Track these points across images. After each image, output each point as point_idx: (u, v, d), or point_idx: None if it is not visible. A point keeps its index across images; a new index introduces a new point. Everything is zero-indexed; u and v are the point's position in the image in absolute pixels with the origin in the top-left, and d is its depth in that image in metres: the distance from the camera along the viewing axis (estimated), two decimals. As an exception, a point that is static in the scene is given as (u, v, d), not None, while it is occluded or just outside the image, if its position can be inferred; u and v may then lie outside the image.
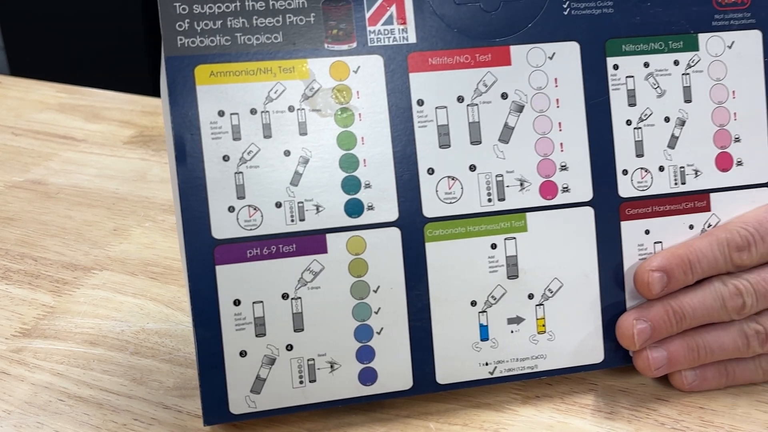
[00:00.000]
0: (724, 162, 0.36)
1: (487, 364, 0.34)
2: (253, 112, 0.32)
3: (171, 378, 0.37)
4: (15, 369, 0.37)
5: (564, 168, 0.35)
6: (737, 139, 0.36)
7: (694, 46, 0.36)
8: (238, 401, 0.32)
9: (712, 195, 0.36)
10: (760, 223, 0.35)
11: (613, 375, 0.37)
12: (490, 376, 0.35)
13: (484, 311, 0.34)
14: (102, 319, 0.41)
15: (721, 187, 0.36)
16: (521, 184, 0.34)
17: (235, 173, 0.32)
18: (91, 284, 0.44)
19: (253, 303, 0.32)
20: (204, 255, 0.32)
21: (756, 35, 0.36)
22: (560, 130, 0.35)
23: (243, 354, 0.32)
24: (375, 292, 0.33)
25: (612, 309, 0.35)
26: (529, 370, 0.35)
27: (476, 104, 0.34)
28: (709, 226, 0.36)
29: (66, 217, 0.51)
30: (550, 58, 0.34)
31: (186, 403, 0.35)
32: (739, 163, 0.36)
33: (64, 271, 0.45)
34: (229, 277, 0.32)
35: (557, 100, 0.35)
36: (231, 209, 0.32)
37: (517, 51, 0.34)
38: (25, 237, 0.49)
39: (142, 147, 0.61)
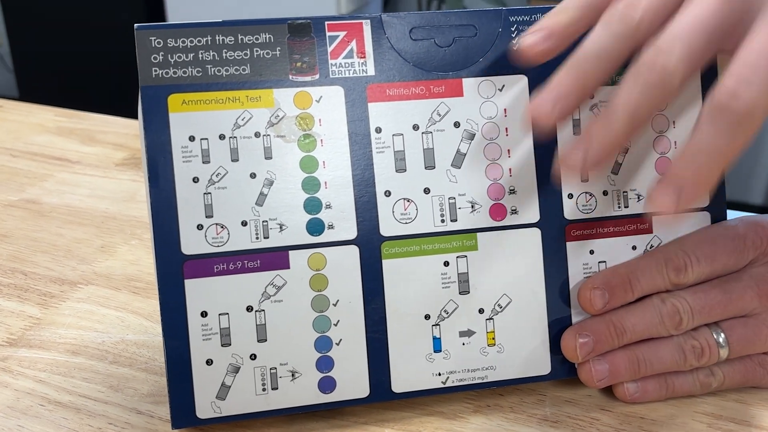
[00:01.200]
0: (665, 187, 0.38)
1: (440, 374, 0.37)
2: (222, 137, 0.35)
3: (146, 385, 0.39)
4: (0, 376, 0.40)
5: (512, 192, 0.37)
6: (678, 166, 0.39)
7: None
8: (205, 407, 0.35)
9: (654, 218, 0.38)
10: (696, 245, 0.37)
11: (562, 386, 0.39)
12: (442, 386, 0.37)
13: (437, 324, 0.37)
14: (84, 331, 0.43)
15: (663, 210, 0.38)
16: (472, 206, 0.37)
17: (204, 194, 0.35)
18: (76, 298, 0.47)
19: (219, 315, 0.35)
20: (174, 269, 0.34)
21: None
22: (509, 157, 0.37)
23: (209, 362, 0.35)
24: (334, 305, 0.36)
25: (558, 324, 0.37)
26: (480, 381, 0.37)
27: (431, 132, 0.37)
28: (651, 246, 0.38)
29: (57, 235, 0.54)
30: (500, 90, 0.37)
31: (158, 409, 0.37)
32: (680, 189, 0.39)
33: (52, 285, 0.48)
34: (197, 291, 0.34)
35: (506, 128, 0.37)
36: (200, 227, 0.35)
37: (469, 83, 0.37)
38: (17, 253, 0.52)
39: (133, 169, 0.64)
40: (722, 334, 0.37)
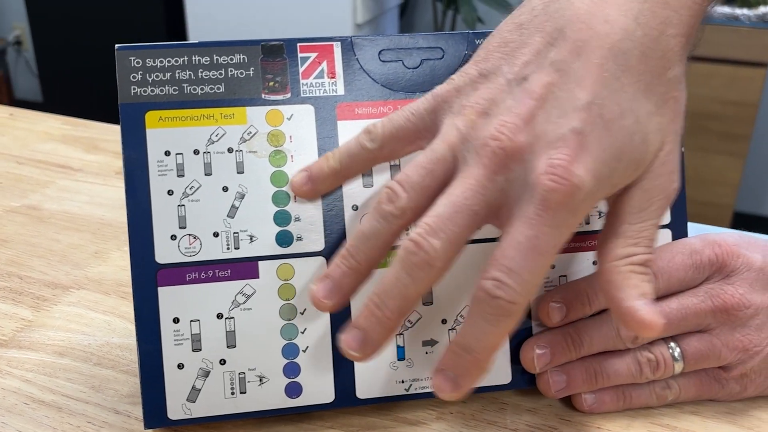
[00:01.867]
0: (626, 205, 0.40)
1: (403, 381, 0.38)
2: (196, 152, 0.37)
3: (126, 387, 0.41)
4: (-10, 375, 0.42)
5: (476, 207, 0.39)
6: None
7: None
8: (176, 408, 0.36)
9: (615, 234, 0.40)
10: (654, 261, 0.38)
11: (524, 396, 0.41)
12: (405, 393, 0.38)
13: (401, 334, 0.38)
14: (72, 333, 0.46)
15: (624, 227, 0.40)
16: (436, 221, 0.38)
17: (178, 206, 0.36)
18: (67, 301, 0.49)
19: (191, 321, 0.36)
20: (148, 277, 0.36)
21: None
22: (473, 174, 0.39)
23: (180, 366, 0.36)
24: (302, 314, 0.37)
25: (519, 335, 0.39)
26: (442, 389, 0.39)
27: (397, 149, 0.38)
28: (612, 262, 0.40)
29: (54, 240, 0.56)
30: (465, 110, 0.39)
31: (135, 410, 0.39)
32: (641, 207, 0.40)
33: (45, 289, 0.50)
34: (169, 298, 0.36)
35: (471, 146, 0.39)
36: (173, 237, 0.36)
37: None
38: (15, 257, 0.54)
39: (132, 177, 0.66)
40: (677, 348, 0.38)
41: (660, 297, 0.38)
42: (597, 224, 0.40)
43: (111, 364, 0.43)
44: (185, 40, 2.24)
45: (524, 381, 0.39)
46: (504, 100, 0.32)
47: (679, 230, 0.40)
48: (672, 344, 0.38)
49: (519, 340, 0.39)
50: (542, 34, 0.32)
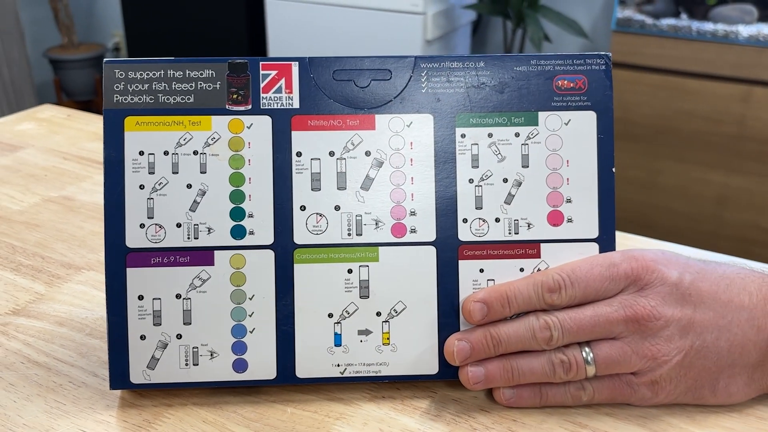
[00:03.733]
0: (555, 218, 0.43)
1: (338, 365, 0.43)
2: (166, 153, 0.42)
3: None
4: (-2, 338, 0.49)
5: (413, 213, 0.43)
6: (569, 200, 0.43)
7: (534, 122, 0.44)
8: (137, 373, 0.42)
9: (543, 245, 0.43)
10: (573, 270, 0.42)
11: (453, 388, 0.44)
12: (340, 375, 0.43)
13: (339, 322, 0.43)
14: (75, 307, 0.52)
15: (552, 239, 0.43)
16: (376, 224, 0.43)
17: (148, 198, 0.42)
18: (77, 280, 0.55)
19: (153, 299, 0.42)
20: (119, 259, 0.42)
21: (591, 115, 0.44)
22: (412, 183, 0.43)
23: (143, 338, 0.42)
24: (250, 299, 0.42)
25: (447, 330, 0.43)
26: (374, 374, 0.43)
27: (344, 158, 0.43)
28: (538, 270, 0.43)
29: (78, 227, 0.63)
30: (408, 126, 0.43)
31: (111, 374, 0.45)
32: (570, 221, 0.43)
33: (61, 269, 0.57)
34: (136, 278, 0.42)
35: (411, 159, 0.43)
36: (142, 226, 0.42)
37: (381, 119, 0.43)
38: (42, 240, 0.61)
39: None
40: (590, 353, 0.41)
41: (576, 304, 0.42)
42: (525, 234, 0.43)
43: (100, 336, 0.49)
44: (265, 54, 2.34)
45: (450, 373, 0.43)
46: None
47: (606, 245, 0.44)
48: (586, 349, 0.41)
49: (446, 335, 0.43)
50: None
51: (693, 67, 1.63)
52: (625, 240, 0.62)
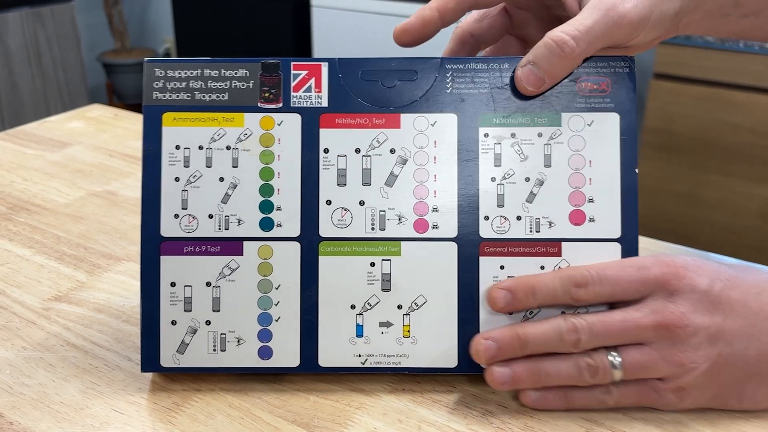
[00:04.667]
0: (577, 217, 0.44)
1: (360, 355, 0.44)
2: (201, 148, 0.44)
3: (142, 341, 0.49)
4: (40, 321, 0.51)
5: (435, 210, 0.44)
6: (591, 200, 0.44)
7: (557, 123, 0.44)
8: (167, 357, 0.44)
9: (564, 243, 0.44)
10: (603, 268, 0.42)
11: (473, 382, 0.45)
12: (361, 366, 0.44)
13: (361, 314, 0.44)
14: (113, 295, 0.54)
15: (573, 238, 0.44)
16: (399, 219, 0.44)
17: (182, 190, 0.44)
18: (116, 270, 0.58)
19: (185, 286, 0.44)
20: (153, 247, 0.44)
21: (614, 117, 0.44)
22: (435, 181, 0.44)
23: (174, 323, 0.44)
24: (276, 289, 0.44)
25: (466, 324, 0.44)
26: (394, 365, 0.44)
27: (370, 155, 0.44)
28: (559, 268, 0.44)
29: (120, 221, 0.66)
30: (432, 125, 0.44)
31: (144, 358, 0.47)
32: (592, 220, 0.44)
33: (102, 259, 0.59)
34: (169, 266, 0.44)
35: (435, 157, 0.44)
36: (176, 216, 0.44)
37: (406, 118, 0.45)
38: (86, 232, 0.64)
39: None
40: (618, 358, 0.41)
41: (602, 302, 0.42)
42: (546, 233, 0.44)
43: (136, 323, 0.51)
44: (311, 55, 2.38)
45: (469, 367, 0.44)
46: None
47: (628, 245, 0.44)
48: (613, 353, 0.42)
49: (466, 329, 0.44)
50: None
51: (740, 80, 1.61)
52: (656, 246, 0.62)
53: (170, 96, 0.45)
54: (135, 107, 3.07)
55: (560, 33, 0.42)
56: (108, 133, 0.87)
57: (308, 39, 2.46)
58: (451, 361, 0.44)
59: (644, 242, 0.61)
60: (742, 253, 1.68)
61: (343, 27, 2.29)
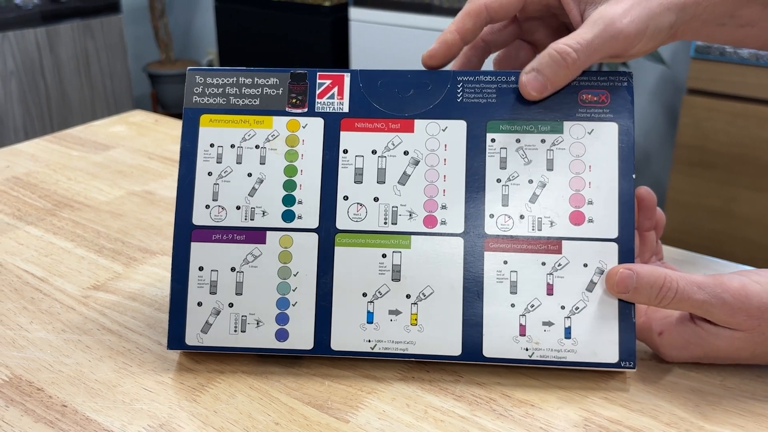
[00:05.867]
0: (577, 218, 0.47)
1: (369, 341, 0.47)
2: (232, 146, 0.48)
3: (172, 326, 0.53)
4: (79, 307, 0.55)
5: (444, 207, 0.47)
6: (590, 202, 0.47)
7: (559, 130, 0.47)
8: (192, 336, 0.48)
9: (564, 242, 0.47)
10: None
11: (479, 372, 0.48)
12: (371, 350, 0.47)
13: (372, 302, 0.47)
14: (147, 285, 0.58)
15: (573, 236, 0.47)
16: (410, 215, 0.47)
17: (214, 184, 0.48)
18: (151, 263, 0.62)
19: (211, 270, 0.48)
20: (185, 234, 0.48)
21: (613, 126, 0.47)
22: (444, 181, 0.47)
23: (200, 304, 0.48)
24: (295, 276, 0.47)
25: (471, 314, 0.47)
26: (401, 351, 0.47)
27: (385, 156, 0.48)
28: (560, 265, 0.47)
29: (156, 218, 0.70)
30: (443, 130, 0.48)
31: (173, 341, 0.51)
32: (590, 221, 0.47)
33: (138, 253, 0.64)
34: (198, 251, 0.48)
35: (445, 159, 0.48)
36: (207, 207, 0.48)
37: (419, 123, 0.48)
38: (124, 227, 0.68)
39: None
40: None
41: None
42: (548, 232, 0.47)
43: (166, 311, 0.55)
44: (348, 66, 2.42)
45: (471, 355, 0.47)
46: None
47: (625, 245, 0.47)
48: None
49: (470, 319, 0.46)
50: None
51: (773, 96, 1.61)
52: (694, 259, 0.64)
53: (208, 100, 0.49)
54: (177, 116, 3.15)
55: (563, 45, 0.45)
56: (148, 137, 0.92)
57: (346, 51, 2.51)
58: (455, 349, 0.47)
59: (678, 254, 0.64)
60: (774, 271, 1.67)
61: (379, 40, 2.33)
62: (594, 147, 0.47)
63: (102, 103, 2.63)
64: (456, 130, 0.48)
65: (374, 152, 0.48)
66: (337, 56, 2.58)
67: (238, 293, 0.48)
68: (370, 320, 0.47)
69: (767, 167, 1.65)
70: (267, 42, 2.74)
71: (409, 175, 0.48)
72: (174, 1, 3.32)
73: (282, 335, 0.47)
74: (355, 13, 2.33)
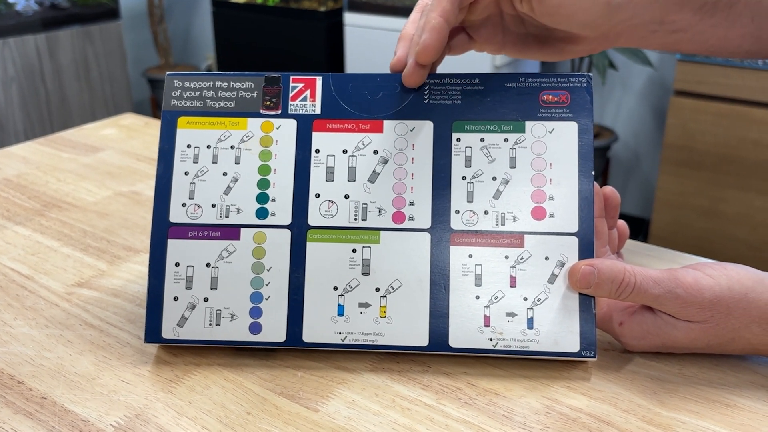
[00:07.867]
0: (538, 213, 0.49)
1: (340, 333, 0.49)
2: (208, 147, 0.50)
3: (152, 320, 0.55)
4: (63, 304, 0.57)
5: (412, 204, 0.49)
6: (551, 198, 0.49)
7: (521, 129, 0.49)
8: (168, 330, 0.49)
9: (526, 236, 0.49)
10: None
11: (446, 363, 0.50)
12: (341, 342, 0.49)
13: (342, 295, 0.49)
14: (129, 282, 0.60)
15: (535, 231, 0.49)
16: (379, 211, 0.49)
17: (190, 183, 0.50)
18: (135, 261, 0.64)
19: (187, 266, 0.49)
20: (162, 231, 0.50)
21: (572, 125, 0.49)
22: (412, 179, 0.49)
23: (176, 299, 0.49)
24: (268, 270, 0.49)
25: (437, 306, 0.48)
26: (371, 342, 0.49)
27: (355, 155, 0.50)
28: (522, 258, 0.48)
29: (141, 218, 0.72)
30: (411, 130, 0.50)
31: (152, 335, 0.53)
32: (551, 216, 0.49)
33: (123, 251, 0.65)
34: (175, 248, 0.50)
35: (412, 158, 0.49)
36: (183, 205, 0.50)
37: (388, 124, 0.50)
38: (109, 227, 0.70)
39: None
40: None
41: None
42: (511, 226, 0.49)
43: (148, 305, 0.57)
44: (343, 70, 2.44)
45: (438, 346, 0.48)
46: None
47: (584, 238, 0.48)
48: None
49: (437, 311, 0.48)
50: None
51: (759, 97, 1.63)
52: (683, 259, 0.66)
53: (186, 103, 0.51)
54: (175, 121, 3.17)
55: None
56: (137, 139, 0.94)
57: (341, 55, 2.53)
58: (422, 340, 0.49)
59: (667, 253, 0.65)
60: (761, 268, 1.69)
61: (374, 45, 2.36)
62: (555, 145, 0.49)
63: (102, 108, 2.65)
64: (423, 130, 0.49)
65: (345, 152, 0.50)
66: (333, 60, 2.60)
67: (213, 288, 0.49)
68: (340, 313, 0.49)
69: (753, 167, 1.67)
70: (264, 46, 2.76)
71: (379, 174, 0.49)
72: (173, 7, 3.34)
73: (256, 328, 0.49)
74: (350, 18, 2.35)
